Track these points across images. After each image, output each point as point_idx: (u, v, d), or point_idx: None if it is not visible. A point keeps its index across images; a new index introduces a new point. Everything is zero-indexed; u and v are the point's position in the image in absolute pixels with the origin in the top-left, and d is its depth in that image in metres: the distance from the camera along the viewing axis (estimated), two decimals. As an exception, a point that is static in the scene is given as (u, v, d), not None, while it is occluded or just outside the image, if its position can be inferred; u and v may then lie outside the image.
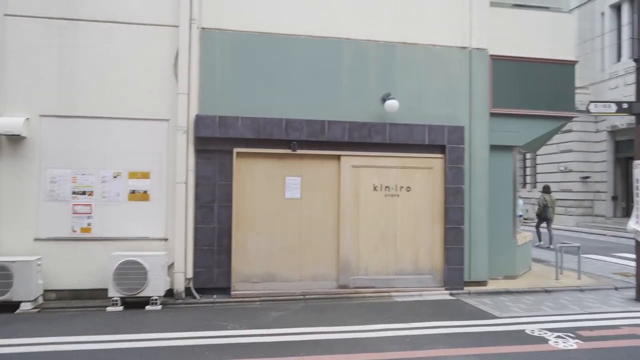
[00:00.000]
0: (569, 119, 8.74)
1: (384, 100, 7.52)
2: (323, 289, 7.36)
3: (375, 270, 7.58)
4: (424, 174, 7.80)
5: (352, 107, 7.50)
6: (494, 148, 8.24)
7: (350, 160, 7.55)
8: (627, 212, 18.52)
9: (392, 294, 7.41)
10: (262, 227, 7.27)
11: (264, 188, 7.31)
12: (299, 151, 7.33)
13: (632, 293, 7.65)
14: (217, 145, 7.09)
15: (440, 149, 7.83)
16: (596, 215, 19.61)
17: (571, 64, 8.46)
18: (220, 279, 7.05)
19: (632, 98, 14.84)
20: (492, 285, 7.96)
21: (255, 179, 7.28)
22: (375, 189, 7.63)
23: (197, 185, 7.05)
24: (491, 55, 8.08)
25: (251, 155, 7.25)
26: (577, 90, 17.02)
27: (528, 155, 23.83)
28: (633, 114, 7.52)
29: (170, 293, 6.82)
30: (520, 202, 12.61)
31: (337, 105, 7.46)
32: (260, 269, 7.24)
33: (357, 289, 7.42)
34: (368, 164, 7.61)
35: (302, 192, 7.41)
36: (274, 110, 7.24)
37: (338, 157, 7.52)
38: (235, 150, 7.12)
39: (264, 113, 7.19)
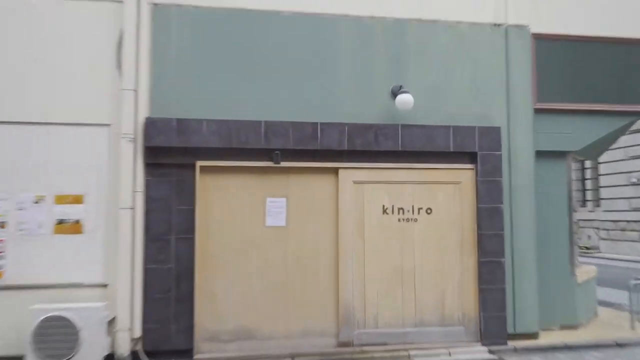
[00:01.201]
0: (639, 114, 8.28)
1: (394, 95, 7.19)
2: (318, 348, 6.91)
3: (387, 321, 7.13)
4: (449, 191, 7.41)
5: (353, 104, 7.17)
6: (541, 155, 7.85)
7: (352, 174, 7.18)
8: None
9: (411, 352, 6.94)
10: (235, 266, 6.91)
11: (238, 213, 6.98)
12: (284, 164, 7.00)
13: None
14: (175, 158, 6.81)
15: (470, 157, 7.45)
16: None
17: (640, 44, 8.14)
18: (179, 337, 6.64)
19: None
20: (545, 339, 7.48)
21: (225, 202, 6.97)
22: (385, 211, 7.26)
23: (148, 211, 6.68)
24: (534, 34, 7.75)
25: (220, 170, 6.95)
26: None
27: (587, 164, 23.43)
28: None
29: (111, 359, 6.32)
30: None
31: (334, 103, 7.13)
32: (233, 322, 6.85)
33: (364, 347, 6.97)
34: (375, 179, 7.25)
35: (288, 217, 7.06)
36: (250, 110, 6.93)
37: (335, 170, 7.18)
38: (199, 163, 6.86)
39: (237, 114, 6.88)
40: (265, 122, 6.88)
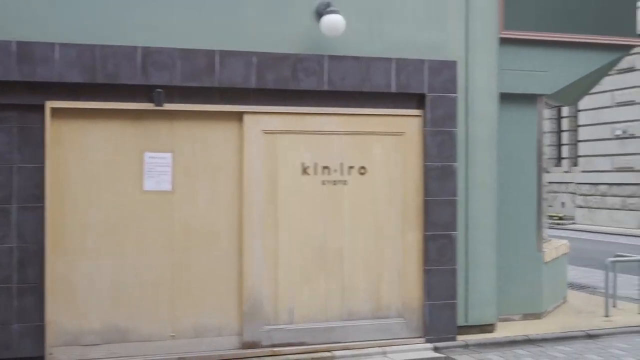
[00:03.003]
0: (628, 48, 8.84)
1: (319, 15, 7.29)
2: (215, 350, 7.14)
3: (306, 315, 7.43)
4: (388, 145, 7.69)
5: (263, 27, 7.25)
6: (507, 98, 8.23)
7: (262, 121, 7.34)
8: None
9: (336, 353, 7.28)
10: (102, 244, 6.97)
11: (106, 174, 7.00)
12: (169, 106, 7.05)
13: None
14: (16, 97, 6.75)
15: (417, 100, 7.74)
16: (671, 210, 20.56)
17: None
18: (24, 342, 6.68)
19: None
20: (503, 331, 7.99)
21: (88, 158, 6.97)
22: (305, 171, 7.48)
23: None
24: (502, -59, 8.04)
25: (80, 113, 6.93)
26: None
27: (564, 112, 24.51)
28: None
29: None
30: None
31: (238, 25, 7.19)
32: (100, 320, 6.94)
33: (275, 348, 7.27)
34: (292, 128, 7.42)
35: (174, 179, 7.16)
36: (122, 32, 6.90)
37: (239, 115, 7.30)
38: (50, 104, 6.83)
39: (104, 37, 6.83)
40: (143, 48, 6.86)
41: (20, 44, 6.56)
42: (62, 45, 6.65)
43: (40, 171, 6.70)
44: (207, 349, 7.12)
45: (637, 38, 8.87)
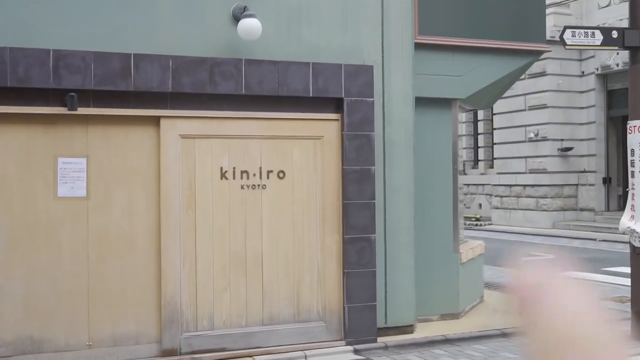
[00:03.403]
0: (538, 54, 9.56)
1: (236, 19, 7.58)
2: (134, 358, 7.33)
3: (226, 321, 7.69)
4: (307, 149, 8.05)
5: (180, 31, 7.49)
6: (422, 102, 8.72)
7: (179, 125, 7.57)
8: (624, 202, 20.74)
9: (257, 358, 7.56)
10: (13, 252, 7.04)
11: (16, 180, 7.08)
12: (83, 110, 7.19)
13: (627, 327, 8.58)
14: None
15: (335, 104, 8.14)
16: (582, 209, 21.80)
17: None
18: None
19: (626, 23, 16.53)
20: (422, 332, 8.47)
21: None
22: (224, 176, 7.74)
23: None
24: (415, -53, 8.52)
25: None
26: (550, 10, 18.59)
27: (480, 115, 25.61)
28: (625, 48, 8.38)
29: None
30: None
31: (154, 28, 7.40)
32: (12, 332, 6.99)
33: (195, 355, 7.50)
34: (210, 132, 7.69)
35: (89, 185, 7.31)
36: (34, 33, 6.99)
37: (156, 120, 7.51)
38: None
39: (14, 38, 6.91)
40: (55, 51, 6.97)
41: None
42: None
43: None
44: (125, 357, 7.27)
45: (546, 44, 9.50)
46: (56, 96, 7.10)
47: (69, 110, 7.10)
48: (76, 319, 7.20)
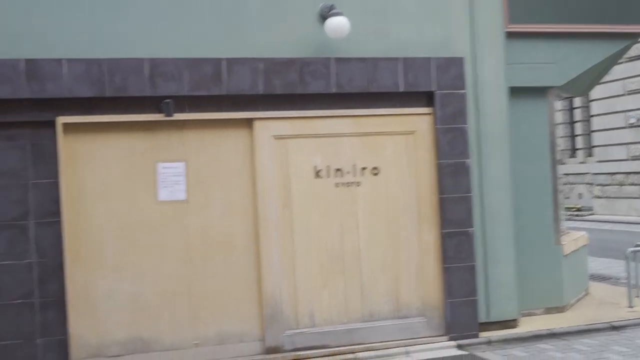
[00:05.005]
0: (637, 36, 9.22)
1: (323, 17, 7.66)
2: (239, 356, 7.48)
3: (327, 318, 7.77)
4: (400, 144, 8.05)
5: (268, 33, 7.62)
6: (517, 92, 8.59)
7: (271, 126, 7.68)
8: None
9: (359, 355, 7.60)
10: (119, 256, 7.31)
11: (120, 186, 7.35)
12: (178, 116, 7.39)
13: None
14: (27, 114, 7.07)
15: (426, 98, 8.11)
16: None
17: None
18: (49, 355, 7.00)
19: None
20: (526, 326, 8.32)
21: (102, 171, 7.31)
22: (318, 174, 7.83)
23: None
24: None
25: (91, 127, 7.26)
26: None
27: (577, 102, 24.77)
28: None
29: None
30: None
31: (243, 32, 7.55)
32: (122, 332, 7.26)
33: (298, 352, 7.59)
34: (303, 132, 7.78)
35: (188, 188, 7.49)
36: (129, 44, 7.25)
37: (249, 122, 7.65)
38: (61, 120, 7.14)
39: (111, 50, 7.18)
40: (150, 60, 7.20)
41: (29, 61, 6.88)
42: (70, 60, 6.99)
43: (55, 186, 7.03)
44: (230, 355, 7.43)
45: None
46: (152, 103, 7.30)
47: (165, 116, 7.30)
48: (181, 319, 7.41)
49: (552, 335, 8.09)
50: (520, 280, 8.44)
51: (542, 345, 7.82)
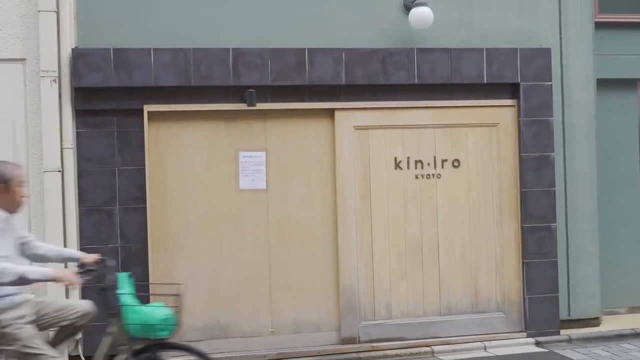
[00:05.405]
0: None
1: (407, 8, 7.64)
2: (315, 345, 7.58)
3: (404, 310, 7.79)
4: (482, 136, 7.99)
5: (351, 22, 7.64)
6: (605, 84, 8.42)
7: (352, 117, 7.71)
8: None
9: (436, 348, 7.58)
10: (200, 242, 7.47)
11: (202, 174, 7.49)
12: (261, 105, 7.46)
13: None
14: (115, 102, 7.23)
15: (511, 89, 8.02)
16: None
17: None
18: None
19: None
20: (609, 325, 8.17)
21: (185, 159, 7.46)
22: (398, 165, 7.83)
23: (82, 173, 7.18)
24: None
25: (176, 116, 7.41)
26: None
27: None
28: None
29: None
30: None
31: (325, 22, 7.60)
32: (201, 317, 7.39)
33: (374, 344, 7.62)
34: (384, 123, 7.79)
35: (268, 177, 7.59)
36: (213, 34, 7.37)
37: (330, 112, 7.69)
38: (148, 108, 7.30)
39: (196, 40, 7.31)
40: (234, 49, 7.30)
41: (117, 50, 7.07)
42: (157, 50, 7.14)
43: (140, 173, 7.21)
44: (306, 344, 7.53)
45: None
46: (235, 92, 7.41)
47: (248, 106, 7.38)
48: (259, 306, 7.53)
49: (636, 335, 7.88)
50: (604, 277, 8.28)
51: (625, 345, 7.65)
